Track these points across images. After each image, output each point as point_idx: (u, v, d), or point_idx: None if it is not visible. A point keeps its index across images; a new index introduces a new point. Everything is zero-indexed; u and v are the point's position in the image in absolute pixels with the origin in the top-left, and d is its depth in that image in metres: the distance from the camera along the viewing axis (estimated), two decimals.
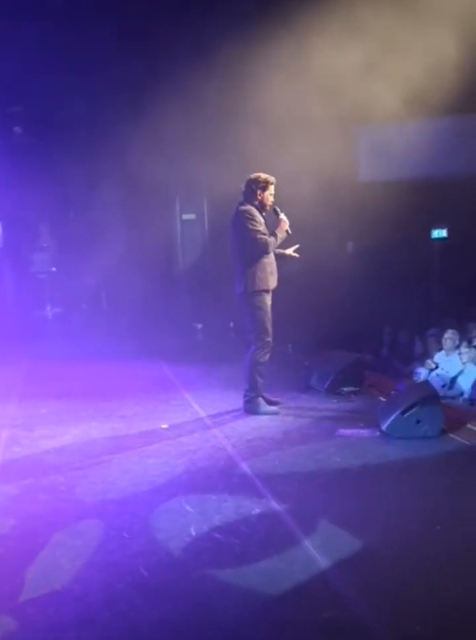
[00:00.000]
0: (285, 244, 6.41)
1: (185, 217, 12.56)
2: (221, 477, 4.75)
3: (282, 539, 3.80)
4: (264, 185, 6.18)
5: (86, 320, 11.97)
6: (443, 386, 8.61)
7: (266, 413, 6.27)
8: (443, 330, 9.72)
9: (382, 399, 6.68)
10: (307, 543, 3.70)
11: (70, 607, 3.17)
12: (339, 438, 5.55)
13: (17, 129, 11.90)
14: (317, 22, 8.52)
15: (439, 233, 12.32)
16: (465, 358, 8.73)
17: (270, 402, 6.43)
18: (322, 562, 3.50)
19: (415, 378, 9.01)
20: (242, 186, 6.24)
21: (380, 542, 3.73)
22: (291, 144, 9.10)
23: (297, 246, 6.47)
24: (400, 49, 8.37)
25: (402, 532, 3.84)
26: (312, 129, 9.06)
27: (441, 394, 7.18)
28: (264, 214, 6.24)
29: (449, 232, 12.24)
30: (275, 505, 4.24)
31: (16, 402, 7.19)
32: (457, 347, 9.16)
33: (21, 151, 11.54)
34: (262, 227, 6.15)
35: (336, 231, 10.53)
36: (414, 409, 5.39)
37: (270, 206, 6.26)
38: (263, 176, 6.19)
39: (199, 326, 11.63)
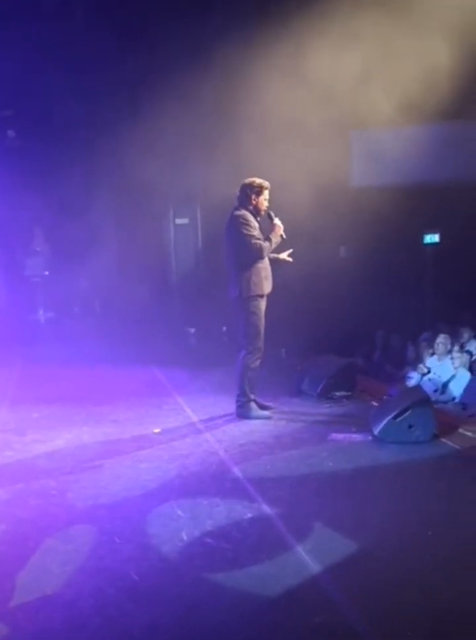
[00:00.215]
0: (279, 248, 6.42)
1: (178, 221, 12.57)
2: (213, 482, 4.74)
3: (274, 543, 3.79)
4: (259, 190, 6.19)
5: (79, 324, 11.94)
6: (435, 391, 8.62)
7: (258, 417, 6.27)
8: (435, 335, 9.75)
9: (374, 403, 6.69)
10: (299, 548, 3.70)
11: (61, 613, 3.16)
12: (331, 443, 5.55)
13: (10, 132, 11.89)
14: (313, 28, 8.55)
15: (432, 238, 12.36)
16: (457, 362, 8.75)
17: (262, 407, 6.43)
18: (314, 566, 3.50)
19: (407, 382, 9.02)
20: (237, 191, 6.25)
21: (372, 546, 3.73)
22: (286, 149, 9.14)
23: (291, 250, 6.48)
24: (395, 57, 8.41)
25: (394, 536, 3.84)
26: (307, 134, 9.09)
27: (433, 398, 7.20)
28: (258, 219, 6.25)
29: (441, 237, 12.28)
30: (267, 509, 4.23)
31: (7, 406, 7.17)
32: (449, 352, 9.18)
33: (14, 155, 11.53)
34: (256, 232, 6.15)
35: (330, 236, 10.55)
36: (406, 414, 5.40)
37: (265, 211, 6.27)
38: (258, 181, 6.20)
39: (192, 330, 11.63)
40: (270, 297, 6.32)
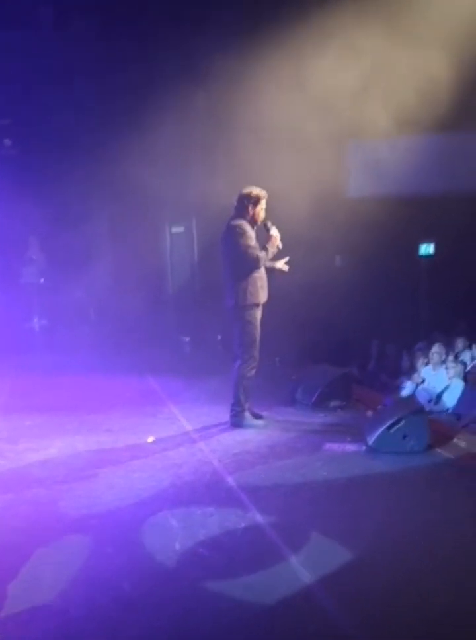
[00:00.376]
0: (275, 258, 6.42)
1: (174, 230, 12.59)
2: (207, 491, 4.73)
3: (267, 553, 3.78)
4: (256, 200, 6.19)
5: (74, 332, 11.93)
6: (430, 401, 8.63)
7: (252, 427, 6.26)
8: (430, 345, 9.76)
9: (369, 413, 6.67)
10: (293, 558, 3.69)
11: (52, 623, 3.14)
12: (325, 452, 5.54)
13: (7, 141, 11.91)
14: (311, 40, 8.58)
15: (427, 248, 12.40)
16: (451, 372, 8.76)
17: (256, 416, 6.43)
18: (308, 576, 3.48)
19: (401, 391, 9.03)
20: (234, 201, 6.26)
21: (366, 557, 3.72)
22: (282, 159, 9.15)
23: (287, 258, 6.48)
24: (392, 69, 8.45)
25: (388, 547, 3.83)
26: (304, 145, 9.11)
27: (427, 408, 7.20)
28: (255, 229, 6.26)
29: (436, 248, 12.31)
30: (260, 519, 4.22)
31: (0, 414, 7.14)
32: (444, 362, 9.19)
33: (10, 164, 11.54)
34: (253, 242, 6.16)
35: (325, 245, 10.57)
36: (400, 424, 5.40)
37: (262, 221, 6.28)
38: (255, 191, 6.21)
39: (187, 339, 11.62)
40: (265, 306, 6.32)
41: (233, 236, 6.15)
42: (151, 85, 10.17)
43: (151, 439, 6.05)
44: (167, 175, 10.13)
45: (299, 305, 9.87)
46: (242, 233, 6.12)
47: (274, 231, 6.26)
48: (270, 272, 6.42)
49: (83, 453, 5.71)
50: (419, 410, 5.62)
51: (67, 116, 10.64)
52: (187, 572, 3.57)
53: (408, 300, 11.75)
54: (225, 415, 6.43)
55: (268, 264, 6.36)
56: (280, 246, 6.29)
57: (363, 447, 5.54)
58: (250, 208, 6.19)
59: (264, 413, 6.59)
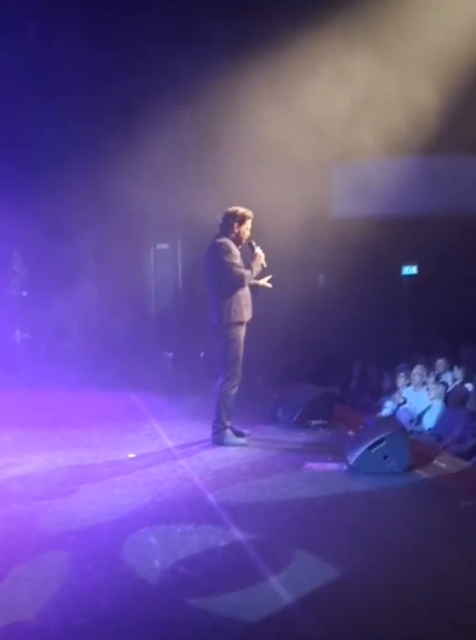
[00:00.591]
0: (259, 276, 6.46)
1: (159, 246, 12.61)
2: (188, 508, 4.71)
3: (247, 571, 3.77)
4: (242, 219, 6.24)
5: (56, 346, 11.87)
6: (411, 421, 8.68)
7: (233, 444, 6.25)
8: (411, 366, 9.83)
9: (350, 432, 6.69)
10: (272, 577, 3.68)
11: None
12: (306, 471, 5.54)
13: None
14: (299, 61, 8.69)
15: (410, 269, 12.52)
16: (432, 394, 8.81)
17: (238, 434, 6.42)
18: (287, 595, 3.48)
19: (382, 411, 9.06)
20: (220, 219, 6.30)
21: (345, 576, 3.71)
22: (268, 178, 9.22)
23: (270, 276, 6.52)
24: (379, 91, 8.57)
25: (367, 566, 3.83)
26: (290, 165, 9.19)
27: (408, 429, 7.24)
28: (240, 247, 6.29)
29: (419, 269, 12.43)
30: (240, 537, 4.20)
31: None
32: (425, 383, 9.25)
33: None
34: (238, 260, 6.19)
35: (309, 264, 10.64)
36: (381, 445, 5.41)
37: (246, 240, 6.32)
38: (241, 210, 6.26)
39: (170, 355, 11.61)
40: (249, 324, 6.34)
41: (218, 254, 6.18)
42: (139, 103, 10.24)
43: (132, 455, 6.02)
44: (153, 192, 10.18)
45: (281, 323, 9.91)
46: (227, 251, 6.16)
47: (259, 250, 6.30)
48: (254, 290, 6.45)
49: (64, 469, 5.67)
50: (400, 431, 5.64)
51: (53, 131, 10.66)
52: (166, 590, 3.56)
53: (391, 320, 11.84)
54: (206, 432, 6.42)
55: (252, 281, 6.40)
56: (265, 265, 6.34)
57: (344, 467, 5.55)
58: (235, 227, 6.23)
59: (246, 431, 6.58)
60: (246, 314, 6.28)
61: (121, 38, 10.25)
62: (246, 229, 6.27)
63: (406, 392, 9.40)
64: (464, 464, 5.97)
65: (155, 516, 4.58)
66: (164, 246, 12.63)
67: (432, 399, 8.79)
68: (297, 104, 8.60)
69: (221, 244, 6.19)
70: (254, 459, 5.88)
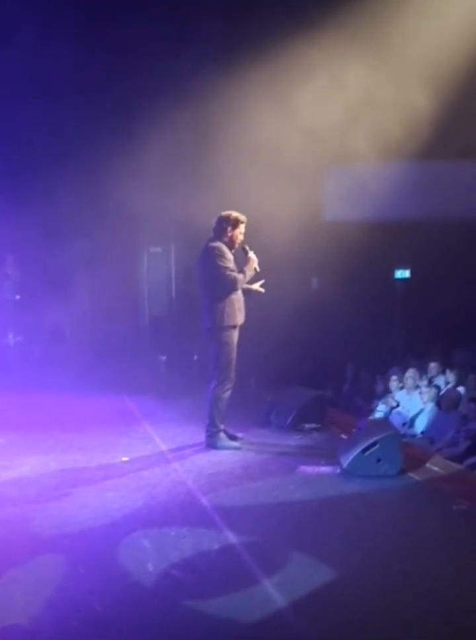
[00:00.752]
0: (252, 280, 6.47)
1: (152, 250, 12.61)
2: (181, 512, 4.71)
3: (240, 575, 3.77)
4: (235, 223, 6.25)
5: (49, 349, 11.85)
6: (404, 424, 8.70)
7: (227, 448, 6.26)
8: (404, 369, 9.85)
9: (343, 436, 6.71)
10: (266, 580, 3.68)
11: None
12: (300, 475, 5.55)
13: None
14: (295, 66, 8.73)
15: (403, 273, 12.57)
16: (425, 397, 8.83)
17: (231, 437, 6.43)
18: (280, 600, 3.48)
19: (375, 415, 9.08)
20: (213, 223, 6.31)
21: (338, 579, 3.72)
22: (263, 182, 9.24)
23: (262, 281, 6.53)
24: (373, 97, 8.61)
25: (360, 570, 3.84)
26: (284, 169, 9.22)
27: (401, 432, 7.26)
28: (233, 251, 6.31)
29: (412, 273, 12.47)
30: (234, 540, 4.21)
31: None
32: (418, 386, 9.28)
33: None
34: (231, 264, 6.21)
35: (302, 267, 10.66)
36: (374, 448, 5.43)
37: (240, 244, 6.33)
38: (234, 214, 6.27)
39: (163, 358, 11.60)
40: (242, 328, 6.36)
41: (211, 257, 6.20)
42: (135, 107, 10.24)
43: (125, 458, 6.02)
44: (147, 195, 10.18)
45: (274, 327, 9.93)
46: (221, 255, 6.17)
47: (252, 255, 6.32)
48: (247, 293, 6.46)
49: (57, 472, 5.66)
50: (393, 434, 5.66)
51: (47, 134, 10.65)
52: (160, 594, 3.56)
53: (384, 324, 11.87)
54: (200, 435, 6.43)
55: (245, 286, 6.41)
56: (258, 269, 6.36)
57: (338, 470, 5.57)
58: (229, 231, 6.24)
59: (239, 434, 6.59)
60: (239, 318, 6.29)
61: (117, 40, 10.25)
62: (239, 233, 6.29)
63: (399, 395, 9.42)
64: (456, 467, 6.01)
65: (148, 519, 4.58)
66: (158, 249, 12.63)
67: (424, 402, 8.82)
68: (293, 108, 8.63)
69: (214, 247, 6.21)
70: (248, 462, 5.89)
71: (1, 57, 9.94)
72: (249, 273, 6.30)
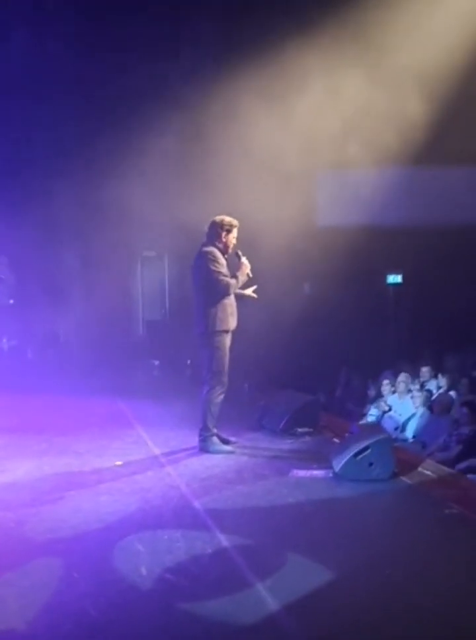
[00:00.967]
0: (245, 285, 6.50)
1: (146, 253, 12.63)
2: (174, 516, 4.72)
3: (234, 579, 3.79)
4: (229, 228, 6.28)
5: (43, 353, 11.85)
6: (396, 428, 8.74)
7: (220, 452, 6.28)
8: (396, 373, 9.89)
9: (336, 440, 6.73)
10: (258, 584, 3.69)
11: None
12: (292, 479, 5.57)
13: None
14: (289, 71, 8.76)
15: (395, 278, 12.62)
16: (417, 401, 8.87)
17: (224, 441, 6.45)
18: (273, 604, 3.50)
19: (367, 419, 9.12)
20: (206, 228, 6.34)
21: (331, 584, 3.74)
22: (256, 187, 9.28)
23: (255, 287, 6.57)
24: (366, 103, 8.65)
25: (352, 573, 3.85)
26: (276, 173, 9.25)
27: (393, 436, 7.29)
28: (226, 256, 6.33)
29: (404, 278, 12.52)
30: (227, 544, 4.22)
31: None
32: (410, 391, 9.32)
33: None
34: (224, 269, 6.24)
35: (295, 272, 10.69)
36: (366, 452, 5.45)
37: (232, 249, 6.36)
38: (227, 219, 6.30)
39: (156, 362, 11.62)
40: (234, 332, 6.38)
41: (204, 262, 6.22)
42: (131, 111, 10.25)
43: (118, 463, 6.03)
44: (143, 199, 10.20)
45: (267, 330, 9.96)
46: (214, 259, 6.20)
47: (245, 260, 6.35)
48: (240, 298, 6.49)
49: (50, 476, 5.66)
50: (385, 439, 5.69)
51: (42, 138, 10.65)
52: (153, 598, 3.57)
53: (376, 328, 11.91)
54: (193, 439, 6.45)
55: (238, 291, 6.44)
56: (250, 274, 6.39)
57: (330, 474, 5.59)
58: (222, 236, 6.27)
59: (232, 438, 6.60)
60: (232, 322, 6.32)
61: (112, 43, 10.27)
62: (232, 238, 6.32)
63: (391, 399, 9.46)
64: (448, 471, 6.02)
65: (141, 523, 4.59)
66: (152, 253, 12.65)
67: (416, 407, 8.86)
68: (287, 113, 8.67)
69: (207, 252, 6.23)
70: (241, 466, 5.90)
71: None
72: (242, 278, 6.33)
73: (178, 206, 9.63)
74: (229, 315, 6.27)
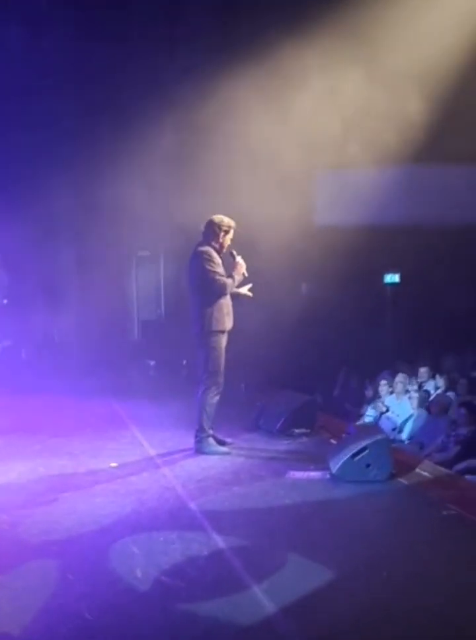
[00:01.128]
0: (240, 285, 6.47)
1: (141, 253, 12.60)
2: (170, 518, 4.69)
3: (230, 581, 3.75)
4: (226, 229, 6.25)
5: (37, 354, 11.81)
6: (393, 429, 8.71)
7: (216, 453, 6.24)
8: (394, 374, 9.87)
9: (333, 441, 6.70)
10: (255, 586, 3.66)
11: None
12: (289, 480, 5.53)
13: None
14: (286, 68, 8.73)
15: (392, 278, 12.60)
16: (415, 402, 8.85)
17: (220, 442, 6.41)
18: (270, 605, 3.46)
19: (365, 419, 9.09)
20: (202, 227, 6.30)
21: (328, 585, 3.71)
22: (252, 186, 9.25)
23: (250, 285, 6.53)
24: (364, 101, 8.62)
25: (350, 575, 3.83)
26: (273, 172, 9.22)
27: (390, 437, 7.26)
28: (221, 256, 6.30)
29: (401, 277, 12.51)
30: (223, 546, 4.19)
31: None
32: (407, 391, 9.29)
33: None
34: (220, 269, 6.21)
35: (292, 273, 10.66)
36: (364, 453, 5.42)
37: (227, 249, 6.33)
38: (226, 220, 6.28)
39: (152, 363, 11.58)
40: (230, 332, 6.34)
41: (200, 262, 6.19)
42: (126, 110, 10.22)
43: (113, 464, 5.99)
44: (138, 199, 10.16)
45: (264, 331, 9.92)
46: (209, 259, 6.16)
47: (240, 259, 6.32)
48: (235, 297, 6.46)
49: (45, 478, 5.63)
50: (383, 440, 5.65)
51: (36, 138, 10.61)
52: (149, 600, 3.53)
53: (373, 329, 11.88)
54: (188, 440, 6.41)
55: (233, 290, 6.41)
56: (246, 274, 6.35)
57: (327, 475, 5.56)
58: (220, 236, 6.24)
59: (228, 439, 6.57)
60: (228, 322, 6.28)
61: (107, 40, 10.23)
62: (228, 239, 6.29)
63: (388, 400, 9.43)
64: (446, 472, 6.00)
65: (137, 525, 4.55)
66: (146, 253, 12.62)
67: (414, 407, 8.83)
68: (285, 112, 8.64)
69: (203, 252, 6.20)
70: (237, 467, 5.87)
71: None
72: (238, 277, 6.30)
73: (173, 206, 9.60)
74: (225, 314, 6.24)
